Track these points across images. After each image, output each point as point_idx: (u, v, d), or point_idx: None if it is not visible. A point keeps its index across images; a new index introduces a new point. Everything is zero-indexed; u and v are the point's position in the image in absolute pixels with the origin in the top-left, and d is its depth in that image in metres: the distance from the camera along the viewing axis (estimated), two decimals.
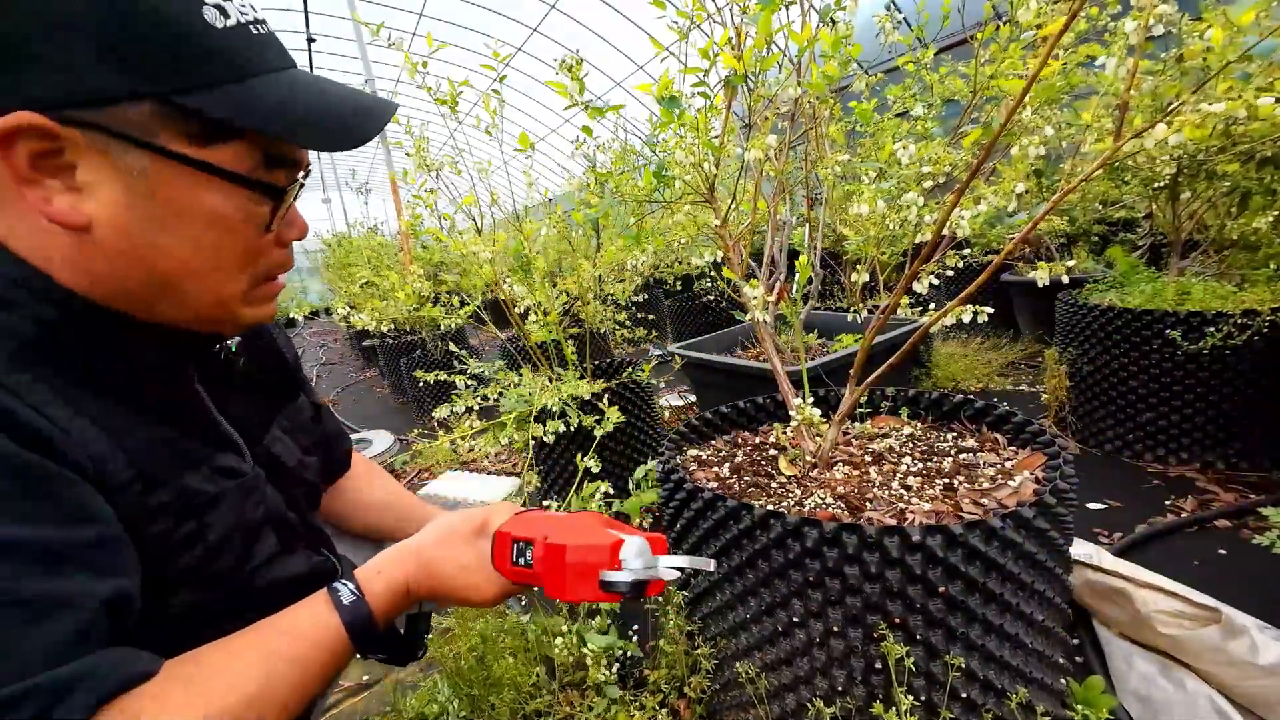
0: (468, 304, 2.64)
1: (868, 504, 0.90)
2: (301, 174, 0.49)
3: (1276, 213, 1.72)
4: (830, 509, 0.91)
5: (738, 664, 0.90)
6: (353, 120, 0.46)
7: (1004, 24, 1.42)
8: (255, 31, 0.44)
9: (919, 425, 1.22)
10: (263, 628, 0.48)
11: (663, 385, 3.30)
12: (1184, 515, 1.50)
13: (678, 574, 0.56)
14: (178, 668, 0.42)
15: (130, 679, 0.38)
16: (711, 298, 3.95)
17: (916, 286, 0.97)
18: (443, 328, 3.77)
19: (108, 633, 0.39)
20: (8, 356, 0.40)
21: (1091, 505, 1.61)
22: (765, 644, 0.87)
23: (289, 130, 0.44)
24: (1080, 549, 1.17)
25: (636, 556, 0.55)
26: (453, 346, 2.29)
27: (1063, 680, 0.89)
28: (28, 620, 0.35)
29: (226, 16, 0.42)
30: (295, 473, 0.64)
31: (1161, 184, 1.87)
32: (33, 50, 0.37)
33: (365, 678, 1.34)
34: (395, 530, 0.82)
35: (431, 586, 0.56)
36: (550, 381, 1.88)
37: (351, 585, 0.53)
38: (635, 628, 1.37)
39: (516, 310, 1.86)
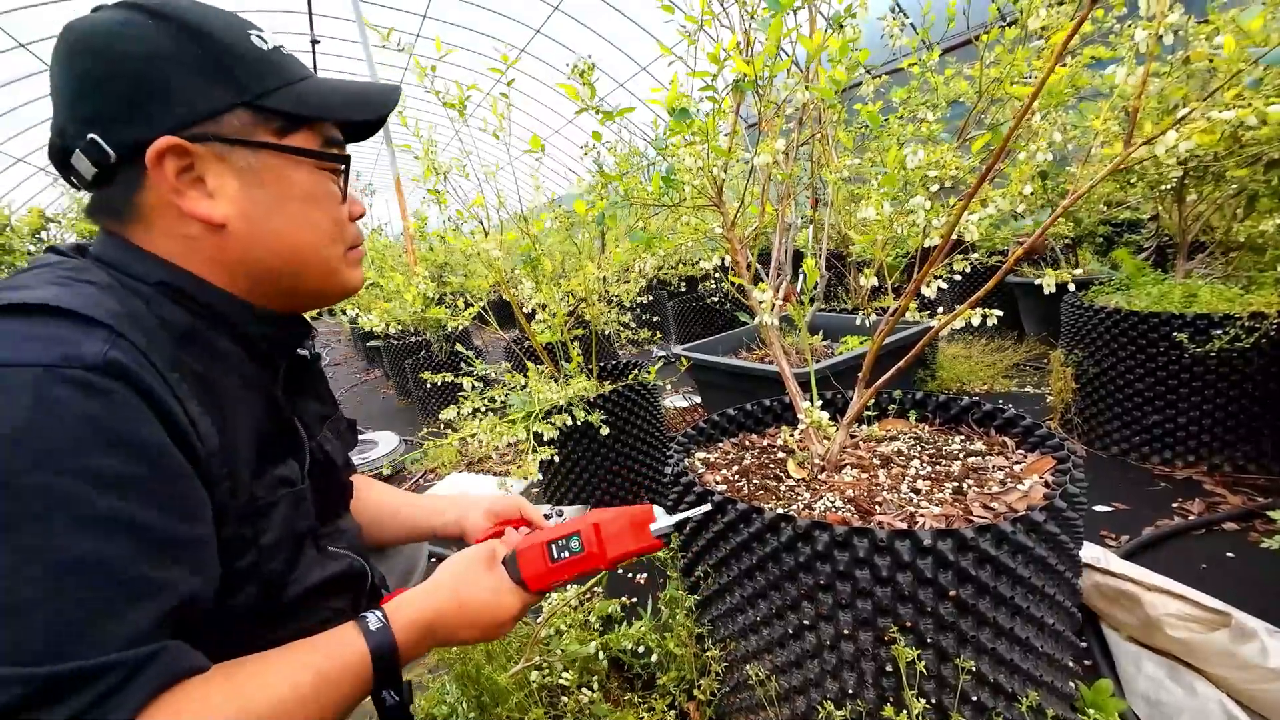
0: (472, 305, 2.65)
1: (877, 507, 0.91)
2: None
3: None
4: (840, 512, 0.91)
5: (748, 666, 0.90)
6: (374, 99, 0.60)
7: (1008, 27, 1.43)
8: (284, 51, 0.57)
9: (926, 428, 1.22)
10: (297, 646, 0.51)
11: (667, 387, 3.30)
12: (1191, 518, 1.50)
13: (690, 520, 0.83)
14: (222, 669, 0.45)
15: (188, 671, 0.42)
16: (715, 299, 3.95)
17: (925, 290, 0.97)
18: (448, 329, 3.78)
19: (175, 625, 0.42)
20: (169, 352, 0.47)
21: (1098, 508, 1.61)
22: (775, 646, 0.88)
23: (337, 111, 0.57)
24: (1088, 552, 1.17)
25: (663, 513, 0.78)
26: (459, 347, 2.30)
27: (1072, 684, 0.89)
28: (127, 599, 0.39)
29: (265, 42, 0.55)
30: (340, 472, 0.69)
31: (1168, 186, 1.87)
32: (161, 88, 0.49)
33: None
34: (401, 532, 0.86)
35: (460, 615, 0.61)
36: (556, 382, 1.89)
37: (379, 614, 0.57)
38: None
39: (524, 310, 1.87)
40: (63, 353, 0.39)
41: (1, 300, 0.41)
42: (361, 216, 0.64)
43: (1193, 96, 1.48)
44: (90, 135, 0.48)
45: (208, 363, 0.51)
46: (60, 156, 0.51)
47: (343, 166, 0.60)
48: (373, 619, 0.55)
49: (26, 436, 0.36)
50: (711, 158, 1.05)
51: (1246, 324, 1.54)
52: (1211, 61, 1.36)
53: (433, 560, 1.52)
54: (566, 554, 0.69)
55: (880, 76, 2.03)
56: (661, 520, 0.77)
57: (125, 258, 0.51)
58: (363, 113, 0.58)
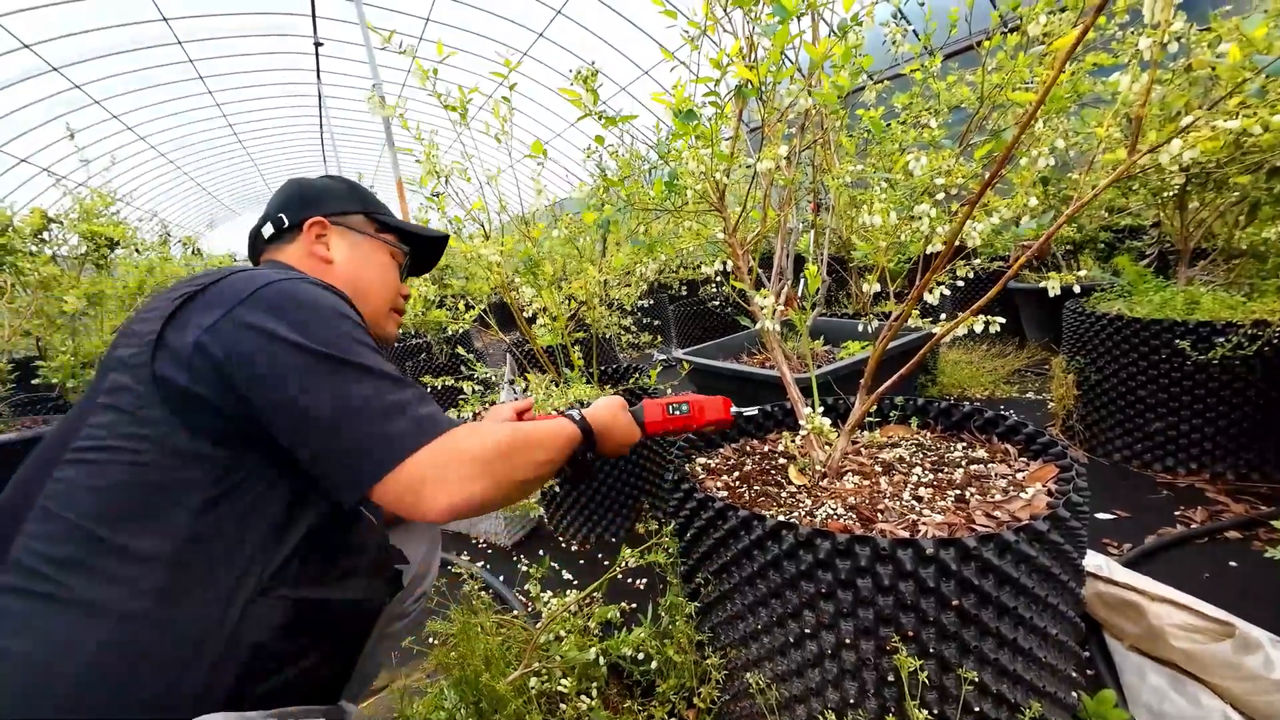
0: (473, 308, 2.64)
1: (879, 515, 0.90)
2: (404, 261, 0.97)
3: None
4: (841, 520, 0.90)
5: (748, 674, 0.90)
6: (429, 233, 0.98)
7: (1010, 33, 1.42)
8: (375, 194, 0.96)
9: (928, 435, 1.22)
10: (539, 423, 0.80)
11: (668, 391, 3.30)
12: (1194, 526, 1.49)
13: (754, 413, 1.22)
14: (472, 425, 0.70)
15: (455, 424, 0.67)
16: (716, 303, 3.95)
17: (928, 297, 0.97)
18: (449, 331, 3.78)
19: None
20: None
21: (1101, 515, 1.60)
22: (776, 655, 0.87)
23: (404, 228, 0.94)
24: (1090, 560, 1.16)
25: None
26: (459, 350, 2.29)
27: (1075, 694, 0.89)
28: (422, 399, 0.67)
29: (377, 195, 0.95)
30: None
31: (1170, 193, 1.87)
32: (321, 199, 0.88)
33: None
34: None
35: (614, 427, 0.93)
36: (556, 385, 1.88)
37: (578, 411, 0.90)
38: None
39: (525, 314, 1.87)
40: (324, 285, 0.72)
41: (278, 276, 0.68)
42: (408, 297, 0.98)
43: (1194, 103, 1.47)
44: (280, 214, 0.86)
45: None
46: (260, 224, 0.88)
47: (404, 258, 0.96)
48: (575, 413, 0.89)
49: (337, 304, 0.68)
50: (714, 162, 1.05)
51: (1249, 332, 1.53)
52: (1213, 69, 1.35)
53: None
54: (677, 412, 1.00)
55: (882, 82, 2.03)
56: (742, 408, 1.13)
57: (287, 266, 0.82)
58: (419, 233, 0.96)
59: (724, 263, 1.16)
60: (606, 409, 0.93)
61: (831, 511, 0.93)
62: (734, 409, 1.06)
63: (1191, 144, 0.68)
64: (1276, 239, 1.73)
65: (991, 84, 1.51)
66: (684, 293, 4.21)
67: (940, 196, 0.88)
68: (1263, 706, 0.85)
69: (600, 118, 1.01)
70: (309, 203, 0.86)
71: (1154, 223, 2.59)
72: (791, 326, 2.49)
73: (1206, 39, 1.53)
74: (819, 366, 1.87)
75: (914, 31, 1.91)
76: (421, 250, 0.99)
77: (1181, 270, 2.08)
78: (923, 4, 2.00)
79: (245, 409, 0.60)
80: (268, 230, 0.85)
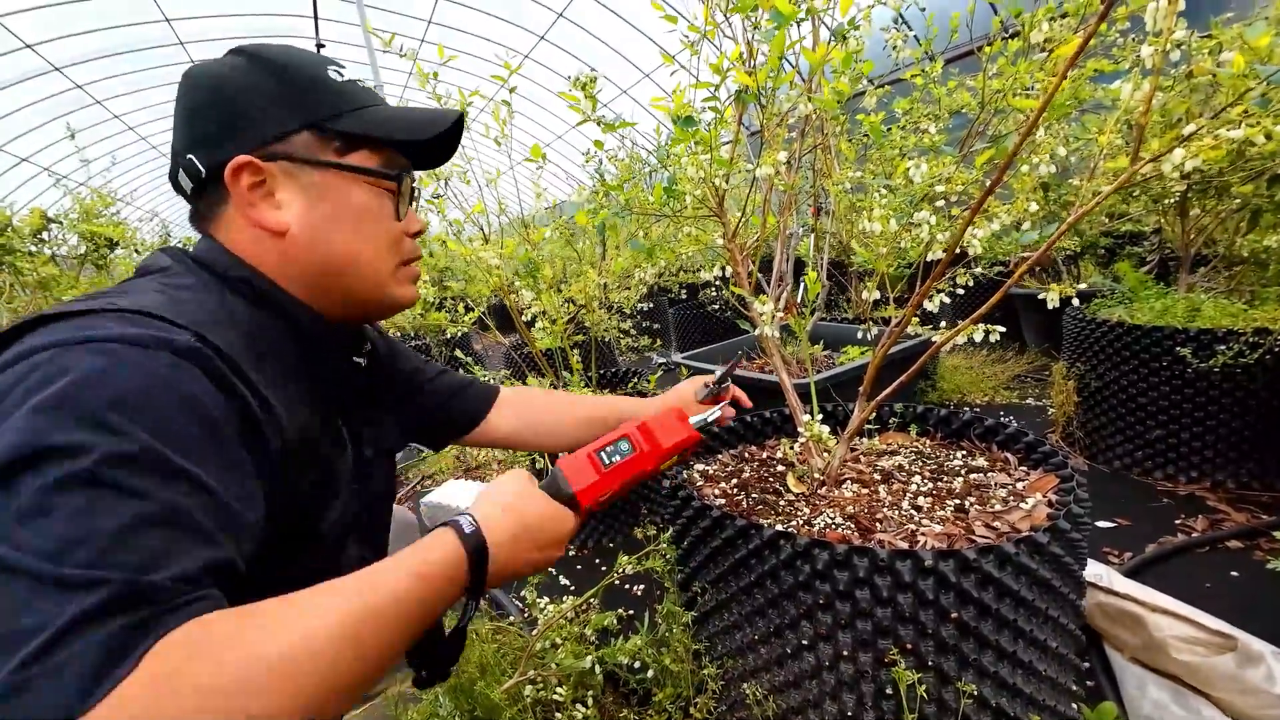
0: (473, 310, 2.64)
1: (878, 525, 0.89)
2: (411, 178, 0.66)
3: None
4: (840, 529, 0.90)
5: (745, 685, 0.89)
6: (428, 122, 0.63)
7: (1011, 38, 1.42)
8: (357, 83, 0.63)
9: (928, 442, 1.21)
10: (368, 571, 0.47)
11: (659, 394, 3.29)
12: (1195, 535, 1.48)
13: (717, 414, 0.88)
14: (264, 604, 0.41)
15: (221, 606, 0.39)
16: (716, 307, 3.94)
17: (928, 305, 0.97)
18: (448, 334, 3.78)
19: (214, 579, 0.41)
20: (247, 348, 0.51)
21: (1101, 523, 1.60)
22: (773, 665, 0.86)
23: (390, 132, 0.61)
24: (1091, 569, 1.15)
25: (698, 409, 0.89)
26: (458, 353, 2.28)
27: (1075, 706, 0.88)
28: (191, 542, 0.39)
29: (341, 75, 0.62)
30: (379, 479, 0.73)
31: (1171, 200, 1.86)
32: (245, 115, 0.57)
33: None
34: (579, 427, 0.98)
35: (524, 534, 0.58)
36: (555, 389, 1.87)
37: (470, 516, 0.56)
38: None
39: (524, 318, 1.86)
40: (156, 336, 0.44)
41: (111, 304, 0.47)
42: (421, 232, 0.68)
43: (1195, 111, 1.47)
44: (189, 155, 0.58)
45: (276, 345, 0.57)
46: (173, 176, 0.61)
47: (398, 185, 0.63)
48: (465, 521, 0.55)
49: (129, 394, 0.41)
50: (713, 168, 1.04)
51: (1250, 339, 1.53)
52: (1214, 76, 1.35)
53: None
54: (617, 457, 0.67)
55: (883, 87, 2.03)
56: (696, 417, 0.81)
57: (212, 254, 0.59)
58: (413, 133, 0.62)
59: (722, 268, 1.15)
60: (506, 507, 0.58)
61: (830, 521, 0.92)
62: (695, 417, 0.79)
63: (1194, 153, 0.67)
64: (1278, 246, 1.73)
65: (992, 90, 1.50)
66: (684, 296, 4.20)
67: (940, 203, 0.88)
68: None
69: (599, 123, 1.00)
70: (225, 126, 0.56)
71: (1155, 229, 2.58)
72: (791, 331, 2.48)
73: (1208, 46, 1.53)
74: (819, 372, 1.86)
75: (915, 36, 1.90)
76: (424, 149, 0.65)
77: (1182, 277, 2.08)
78: (924, 9, 2.00)
79: None
80: (184, 181, 0.58)
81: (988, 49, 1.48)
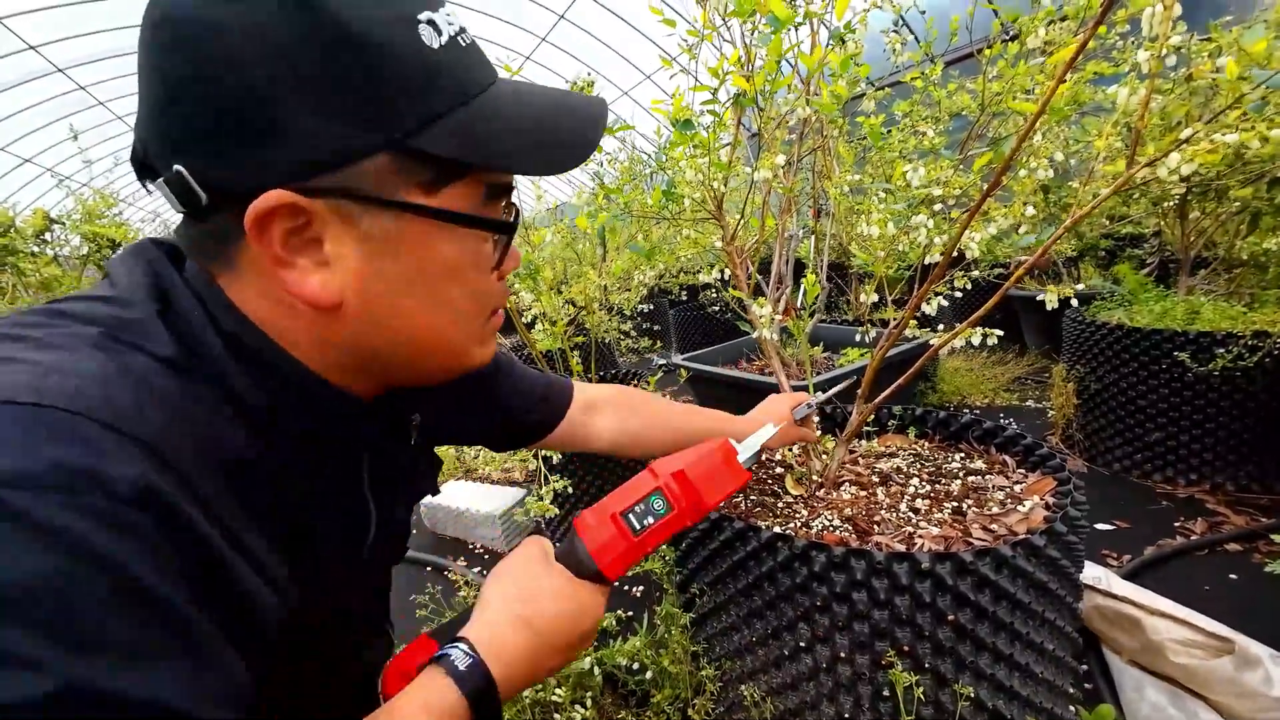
0: None
1: (875, 527, 0.90)
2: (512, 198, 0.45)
3: None
4: (838, 532, 0.90)
5: (743, 687, 0.89)
6: (575, 132, 0.42)
7: (1010, 41, 1.42)
8: (464, 43, 0.39)
9: (926, 445, 1.21)
10: None
11: (665, 396, 3.30)
12: (1194, 538, 1.48)
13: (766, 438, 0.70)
14: None
15: None
16: (717, 308, 3.95)
17: (926, 308, 0.97)
18: None
19: None
20: (223, 470, 0.35)
21: (1100, 526, 1.60)
22: (771, 667, 0.87)
23: (515, 158, 0.40)
24: (1089, 572, 1.16)
25: (741, 442, 0.65)
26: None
27: (1072, 708, 0.88)
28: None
29: (439, 34, 0.37)
30: (399, 536, 0.58)
31: (1170, 202, 1.86)
32: (273, 119, 0.34)
33: None
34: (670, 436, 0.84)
35: (535, 651, 0.47)
36: None
37: (464, 646, 0.45)
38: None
39: (523, 319, 1.87)
40: (88, 471, 0.28)
41: (20, 383, 0.29)
42: (515, 269, 0.50)
43: (1194, 114, 1.47)
44: (176, 166, 0.35)
45: (283, 453, 0.40)
46: (140, 170, 0.38)
47: (514, 223, 0.44)
48: (458, 654, 0.44)
49: (36, 595, 0.26)
50: (711, 171, 1.05)
51: (1249, 342, 1.53)
52: (1214, 80, 1.35)
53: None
54: (650, 520, 0.54)
55: (883, 89, 2.03)
56: (746, 450, 0.63)
57: (210, 302, 0.38)
58: (555, 160, 0.41)
59: (721, 270, 1.16)
60: (515, 619, 0.48)
61: (828, 523, 0.93)
62: (744, 453, 0.63)
63: (1190, 157, 0.68)
64: (1277, 249, 1.73)
65: (992, 92, 1.51)
66: (684, 298, 4.20)
67: (938, 207, 0.88)
68: None
69: None
70: (244, 130, 0.34)
71: (1155, 231, 2.58)
72: (791, 333, 2.48)
73: (1207, 49, 1.53)
74: (818, 373, 1.86)
75: (915, 37, 1.91)
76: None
77: (1182, 279, 2.08)
78: (924, 12, 2.01)
79: None
80: (170, 201, 0.37)
81: (987, 51, 1.49)
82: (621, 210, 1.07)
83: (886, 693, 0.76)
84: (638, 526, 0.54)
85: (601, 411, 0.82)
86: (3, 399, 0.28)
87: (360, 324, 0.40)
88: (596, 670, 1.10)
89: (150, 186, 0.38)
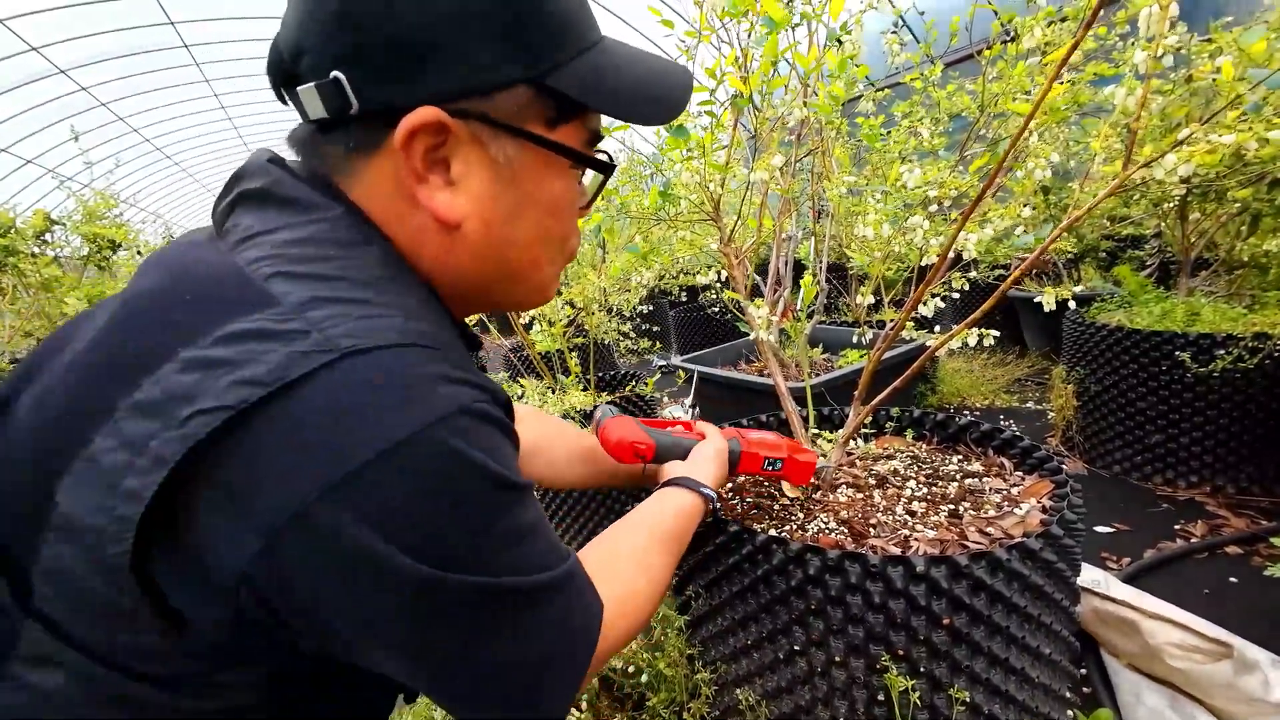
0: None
1: (871, 529, 0.89)
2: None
3: None
4: (833, 534, 0.89)
5: (738, 690, 0.89)
6: (670, 94, 0.47)
7: (1010, 42, 1.42)
8: None
9: (924, 447, 1.20)
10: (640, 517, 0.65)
11: (664, 398, 3.29)
12: (1194, 541, 1.48)
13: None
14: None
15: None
16: (716, 309, 3.94)
17: (922, 309, 0.96)
18: None
19: None
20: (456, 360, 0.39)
21: (1100, 529, 1.59)
22: (766, 671, 0.86)
23: (627, 107, 0.44)
24: (1088, 575, 1.15)
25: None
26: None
27: (1070, 712, 0.87)
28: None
29: None
30: None
31: (1171, 203, 1.86)
32: (439, 44, 0.38)
33: None
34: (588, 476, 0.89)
35: (712, 477, 0.76)
36: (552, 392, 1.88)
37: (707, 490, 0.72)
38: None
39: (520, 320, 1.87)
40: (483, 404, 0.37)
41: (405, 327, 0.36)
42: (586, 216, 0.54)
43: (1195, 115, 1.47)
44: (336, 74, 0.37)
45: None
46: (282, 76, 0.40)
47: (614, 165, 0.48)
48: (708, 490, 0.72)
49: (490, 468, 0.36)
50: (708, 173, 1.04)
51: (1250, 344, 1.52)
52: (1214, 80, 1.35)
53: None
54: (770, 467, 0.88)
55: (883, 90, 2.03)
56: (820, 463, 0.95)
57: (365, 234, 0.41)
58: (654, 113, 0.45)
59: (718, 272, 1.15)
60: (719, 464, 0.78)
61: (823, 526, 0.92)
62: (820, 464, 0.95)
63: (1187, 157, 0.67)
64: (1278, 250, 1.72)
65: (992, 93, 1.51)
66: (684, 299, 4.20)
67: (934, 208, 0.88)
68: None
69: None
70: (412, 50, 0.37)
71: (1155, 232, 2.57)
72: (790, 334, 2.48)
73: (1207, 50, 1.52)
74: (817, 375, 1.86)
75: (914, 36, 1.90)
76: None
77: (1183, 281, 2.07)
78: (923, 13, 2.00)
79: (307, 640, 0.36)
80: (313, 107, 0.39)
81: (987, 52, 1.48)
82: (619, 211, 1.07)
83: (882, 697, 0.76)
84: (764, 466, 0.88)
85: (520, 418, 0.84)
86: (413, 340, 0.35)
87: (476, 247, 0.43)
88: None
89: (290, 94, 0.40)
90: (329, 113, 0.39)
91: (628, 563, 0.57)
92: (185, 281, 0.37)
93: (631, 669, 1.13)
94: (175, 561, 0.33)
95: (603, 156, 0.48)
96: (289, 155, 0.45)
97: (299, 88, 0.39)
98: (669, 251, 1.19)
